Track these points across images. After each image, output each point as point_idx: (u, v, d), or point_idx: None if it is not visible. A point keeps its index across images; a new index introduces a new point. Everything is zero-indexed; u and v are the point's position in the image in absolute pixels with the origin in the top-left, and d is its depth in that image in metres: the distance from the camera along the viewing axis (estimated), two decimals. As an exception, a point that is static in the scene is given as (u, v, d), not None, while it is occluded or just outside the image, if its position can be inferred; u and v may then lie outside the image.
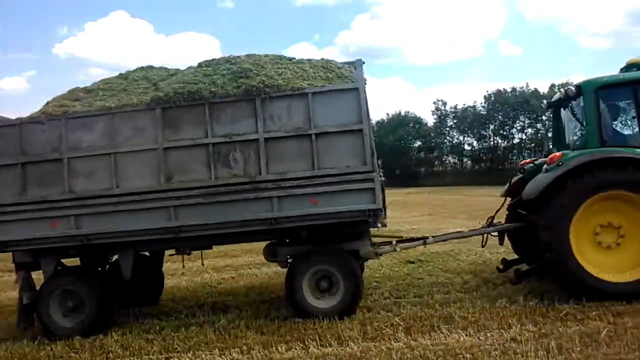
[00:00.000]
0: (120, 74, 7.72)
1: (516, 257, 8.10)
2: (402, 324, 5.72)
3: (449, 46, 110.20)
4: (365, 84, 6.62)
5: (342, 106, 6.52)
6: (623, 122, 7.47)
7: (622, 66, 7.70)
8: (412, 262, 9.73)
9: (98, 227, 6.56)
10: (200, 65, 7.30)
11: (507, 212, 8.05)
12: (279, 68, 6.89)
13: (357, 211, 6.39)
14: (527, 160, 8.52)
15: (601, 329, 5.05)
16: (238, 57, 7.27)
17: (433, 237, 7.68)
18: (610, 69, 22.68)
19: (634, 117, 7.00)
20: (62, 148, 6.64)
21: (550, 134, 27.99)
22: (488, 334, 5.13)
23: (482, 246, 8.06)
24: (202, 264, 9.14)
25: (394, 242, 7.51)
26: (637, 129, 6.88)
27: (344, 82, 6.71)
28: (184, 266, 8.90)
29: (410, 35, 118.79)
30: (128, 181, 6.58)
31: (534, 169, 7.63)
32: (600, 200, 6.38)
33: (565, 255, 6.27)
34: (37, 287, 6.86)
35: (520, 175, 7.87)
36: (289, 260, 6.98)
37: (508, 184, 7.90)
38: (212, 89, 6.54)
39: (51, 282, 6.83)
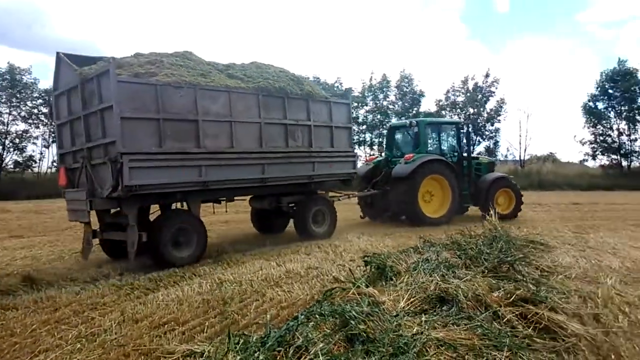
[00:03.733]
0: (167, 54, 9.02)
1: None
2: None
3: None
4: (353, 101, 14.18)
5: (342, 112, 11.09)
6: (433, 142, 14.28)
7: (418, 118, 16.90)
8: None
9: (219, 176, 8.60)
10: (258, 66, 10.17)
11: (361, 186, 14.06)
12: (300, 80, 10.60)
13: (347, 173, 11.25)
14: (371, 157, 18.07)
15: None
16: (271, 65, 10.50)
17: (350, 194, 12.96)
18: None
19: (438, 141, 14.47)
20: (198, 111, 8.27)
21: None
22: None
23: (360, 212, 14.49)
24: (226, 211, 11.37)
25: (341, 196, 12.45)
26: (437, 146, 14.35)
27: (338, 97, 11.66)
28: (214, 212, 10.95)
29: None
30: (240, 143, 8.90)
31: (385, 162, 14.18)
32: (428, 178, 12.87)
33: (415, 204, 12.62)
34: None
35: (372, 166, 14.40)
36: (291, 205, 10.82)
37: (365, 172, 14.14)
38: (290, 89, 9.85)
39: (168, 222, 8.35)
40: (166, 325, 4.96)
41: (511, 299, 4.58)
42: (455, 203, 13.21)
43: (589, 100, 37.89)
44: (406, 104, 37.19)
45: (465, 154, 14.33)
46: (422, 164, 12.66)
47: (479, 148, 36.14)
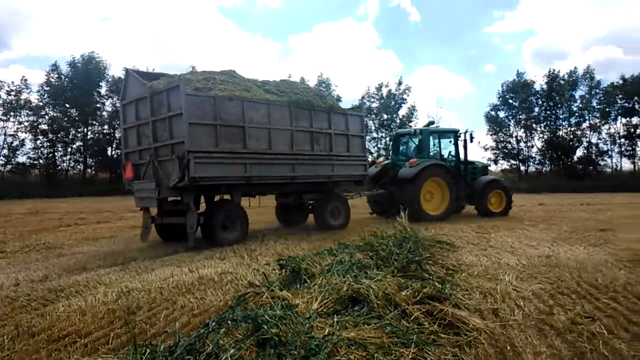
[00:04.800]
0: (217, 72, 11.29)
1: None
2: None
3: None
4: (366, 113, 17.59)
5: (356, 123, 13.12)
6: (434, 148, 15.84)
7: (424, 125, 17.46)
8: None
9: (259, 172, 10.51)
10: (288, 83, 12.82)
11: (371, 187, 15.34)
12: (323, 95, 13.57)
13: (360, 175, 13.27)
14: (379, 160, 17.43)
15: None
16: (297, 82, 14.28)
17: (361, 193, 14.67)
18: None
19: (438, 147, 16.02)
20: (244, 119, 10.20)
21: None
22: None
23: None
24: (259, 204, 13.07)
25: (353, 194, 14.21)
26: (438, 152, 15.91)
27: (352, 110, 15.27)
28: (250, 205, 12.07)
29: None
30: (276, 146, 10.85)
31: (389, 166, 15.56)
32: (430, 180, 14.49)
33: (418, 203, 14.03)
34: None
35: (380, 168, 15.75)
36: (310, 202, 12.88)
37: (374, 173, 15.40)
38: (316, 102, 11.87)
39: (219, 209, 10.59)
40: (67, 338, 4.62)
41: (418, 297, 4.79)
42: (452, 202, 14.94)
43: (491, 109, 40.70)
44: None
45: (462, 159, 15.98)
46: (424, 167, 14.36)
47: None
